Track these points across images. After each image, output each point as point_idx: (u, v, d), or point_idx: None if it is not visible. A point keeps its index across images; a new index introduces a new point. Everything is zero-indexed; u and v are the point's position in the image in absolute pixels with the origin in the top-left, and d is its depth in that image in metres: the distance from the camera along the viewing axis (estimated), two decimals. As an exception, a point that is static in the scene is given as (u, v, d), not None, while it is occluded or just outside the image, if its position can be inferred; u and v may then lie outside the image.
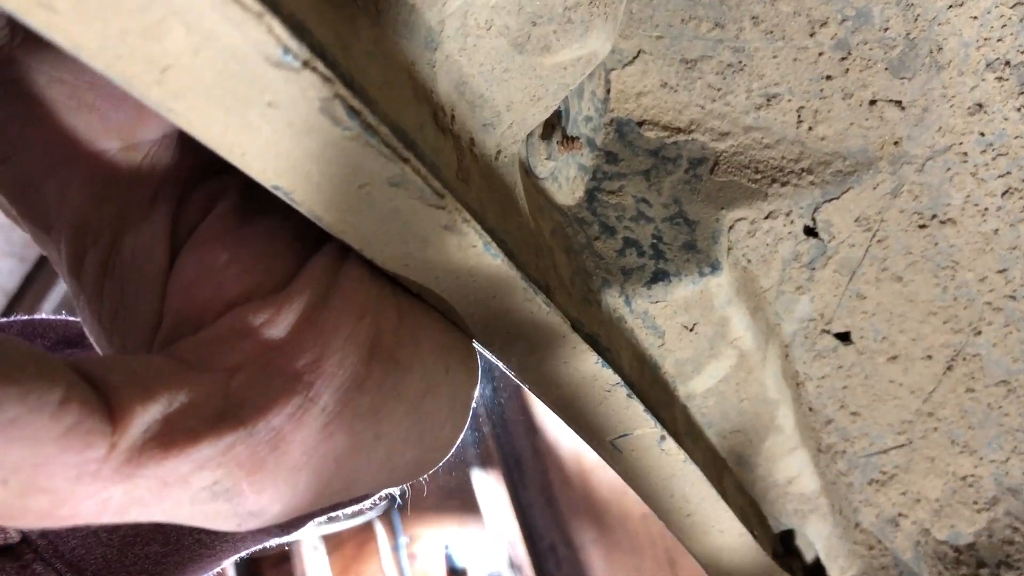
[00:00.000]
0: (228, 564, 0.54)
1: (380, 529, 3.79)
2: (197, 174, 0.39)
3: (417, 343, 0.37)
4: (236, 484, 0.30)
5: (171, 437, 0.28)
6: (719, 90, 0.56)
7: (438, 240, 0.34)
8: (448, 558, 3.65)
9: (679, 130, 0.57)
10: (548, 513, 3.44)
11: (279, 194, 0.30)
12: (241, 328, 0.33)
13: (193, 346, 0.33)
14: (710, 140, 0.58)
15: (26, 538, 0.45)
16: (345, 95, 0.27)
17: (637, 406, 0.49)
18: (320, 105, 0.26)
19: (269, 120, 0.27)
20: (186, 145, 0.38)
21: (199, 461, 0.29)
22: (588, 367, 0.46)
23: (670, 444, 0.53)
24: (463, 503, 3.66)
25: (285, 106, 0.26)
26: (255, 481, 0.31)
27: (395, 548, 3.77)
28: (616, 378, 0.47)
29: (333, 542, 3.81)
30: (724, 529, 0.62)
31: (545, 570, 3.33)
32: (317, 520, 0.51)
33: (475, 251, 0.35)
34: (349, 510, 0.50)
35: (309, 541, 3.66)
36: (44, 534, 0.46)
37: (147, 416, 0.28)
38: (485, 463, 3.60)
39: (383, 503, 3.81)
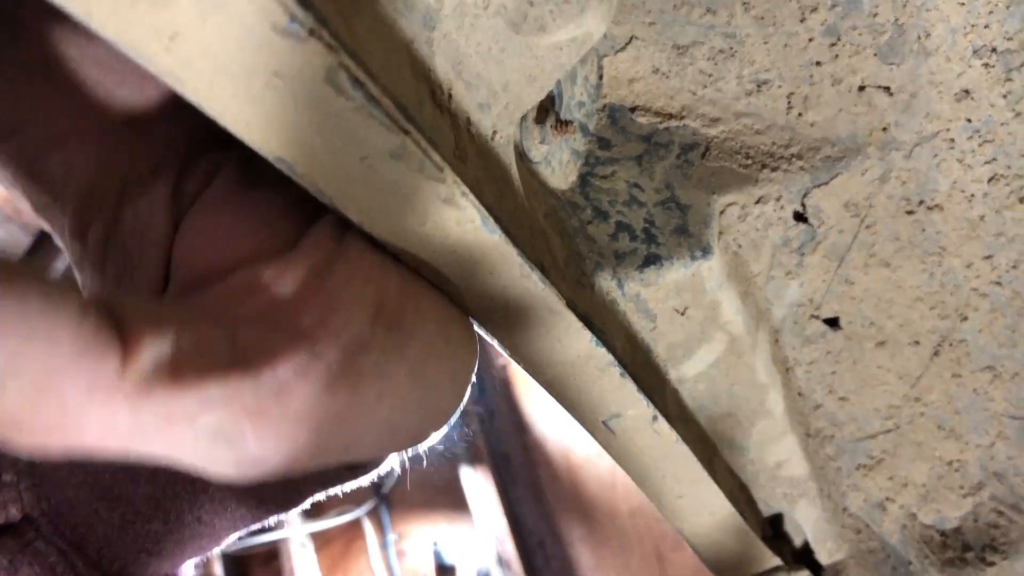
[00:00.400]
0: (217, 563, 0.55)
1: (368, 526, 3.78)
2: (196, 148, 0.40)
3: (419, 311, 0.38)
4: (240, 429, 0.31)
5: (179, 373, 0.29)
6: (710, 76, 0.57)
7: (437, 214, 0.35)
8: (437, 555, 3.65)
9: (671, 116, 0.58)
10: (537, 509, 3.44)
11: (281, 167, 0.31)
12: (248, 284, 0.34)
13: (201, 300, 0.34)
14: (701, 126, 0.58)
15: (28, 517, 0.46)
16: (349, 65, 0.27)
17: (630, 386, 0.50)
18: (325, 75, 0.27)
19: (274, 89, 0.27)
20: (186, 120, 0.39)
21: (205, 401, 0.30)
22: (583, 346, 0.47)
23: (662, 425, 0.54)
24: (452, 500, 3.66)
25: (290, 75, 0.27)
26: (258, 428, 0.32)
27: (383, 545, 3.77)
28: (609, 357, 0.48)
29: (321, 539, 3.80)
30: (715, 511, 0.63)
31: (534, 566, 3.34)
32: (306, 516, 0.52)
33: (473, 226, 0.36)
34: (356, 478, 0.51)
35: (297, 538, 3.65)
36: (45, 512, 0.46)
37: (157, 349, 0.29)
38: (473, 460, 3.60)
39: (371, 501, 3.81)
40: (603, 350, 0.47)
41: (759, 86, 0.57)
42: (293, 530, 3.56)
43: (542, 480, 3.44)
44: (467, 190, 0.34)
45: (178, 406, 0.29)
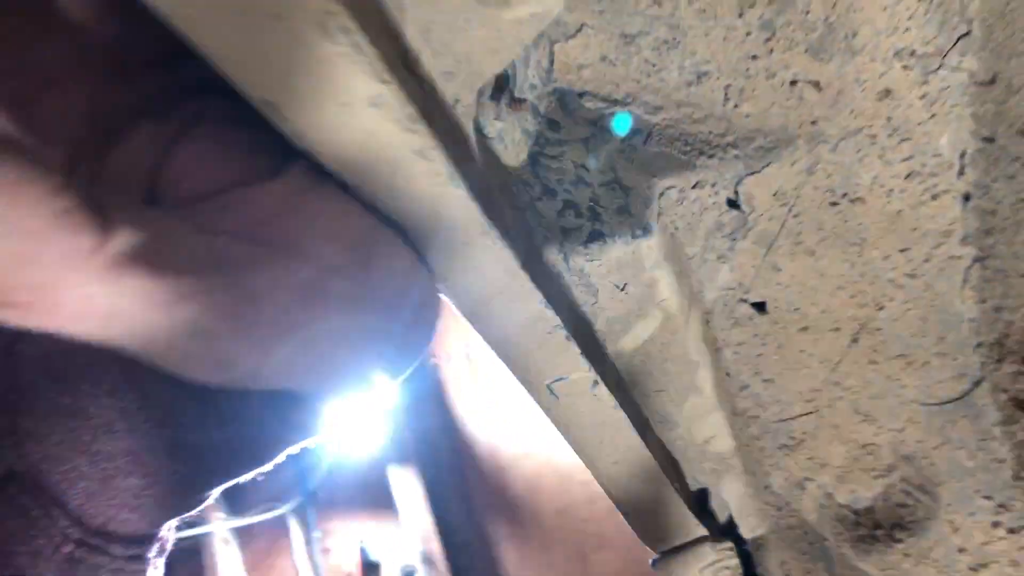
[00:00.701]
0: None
1: (293, 523, 3.76)
2: (180, 93, 0.41)
3: (388, 254, 0.40)
4: (214, 327, 0.33)
5: (157, 262, 0.31)
6: (654, 66, 0.61)
7: (408, 165, 0.37)
8: (362, 552, 3.65)
9: (616, 102, 0.61)
10: (463, 509, 3.46)
11: (266, 110, 0.33)
12: (231, 202, 0.37)
13: (185, 212, 0.36)
14: (644, 113, 0.62)
15: (9, 472, 0.47)
16: (339, 11, 0.30)
17: (574, 349, 0.53)
18: (318, 18, 0.29)
19: (269, 31, 0.30)
20: (172, 67, 0.41)
21: (181, 292, 0.32)
22: (533, 307, 0.50)
23: (602, 390, 0.57)
24: (378, 499, 3.66)
25: (286, 17, 0.29)
26: (231, 329, 0.34)
27: (308, 542, 3.74)
28: (557, 320, 0.51)
29: (245, 536, 3.76)
30: (647, 479, 0.66)
31: (459, 565, 3.36)
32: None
33: (440, 180, 0.39)
34: (316, 433, 0.52)
35: (220, 534, 3.61)
36: (27, 468, 0.47)
37: (135, 236, 0.31)
38: (400, 459, 3.61)
39: (298, 498, 3.78)
40: (551, 312, 0.50)
41: (699, 77, 0.61)
42: (217, 526, 3.52)
43: (469, 480, 3.47)
44: (438, 143, 0.37)
45: (154, 293, 0.31)
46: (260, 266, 0.35)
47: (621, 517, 0.73)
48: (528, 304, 0.49)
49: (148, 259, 0.31)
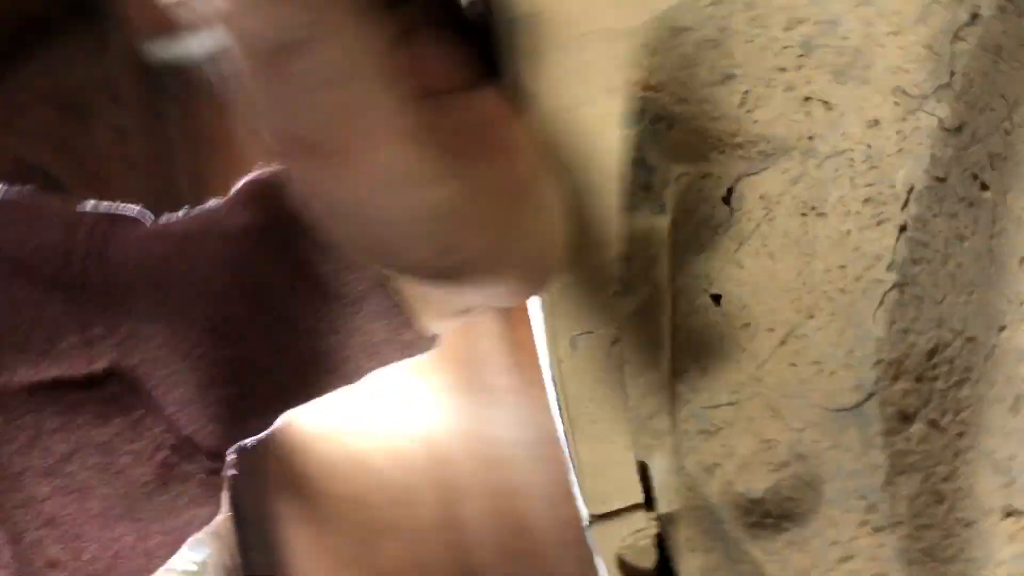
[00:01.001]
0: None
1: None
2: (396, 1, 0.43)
3: (557, 180, 0.43)
4: (461, 209, 0.36)
5: (435, 139, 0.35)
6: (690, 60, 0.65)
7: (591, 102, 0.40)
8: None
9: (649, 87, 0.66)
10: (253, 486, 3.37)
11: (516, 25, 0.35)
12: (446, 104, 0.38)
13: None
14: (671, 102, 0.66)
15: (114, 371, 0.46)
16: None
17: (618, 305, 0.57)
18: None
19: None
20: None
21: (446, 171, 0.35)
22: (604, 259, 0.53)
23: (617, 349, 0.61)
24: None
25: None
26: (470, 214, 0.37)
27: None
28: (616, 275, 0.54)
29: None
30: (615, 442, 0.70)
31: (247, 541, 3.26)
32: None
33: (612, 122, 0.42)
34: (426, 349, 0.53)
35: None
36: (131, 369, 0.46)
37: (421, 112, 0.33)
38: (190, 429, 3.48)
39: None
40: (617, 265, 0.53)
41: (725, 79, 0.66)
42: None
43: (262, 457, 3.38)
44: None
45: (434, 165, 0.33)
46: (481, 162, 0.37)
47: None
48: (601, 255, 0.52)
49: (431, 134, 0.33)
